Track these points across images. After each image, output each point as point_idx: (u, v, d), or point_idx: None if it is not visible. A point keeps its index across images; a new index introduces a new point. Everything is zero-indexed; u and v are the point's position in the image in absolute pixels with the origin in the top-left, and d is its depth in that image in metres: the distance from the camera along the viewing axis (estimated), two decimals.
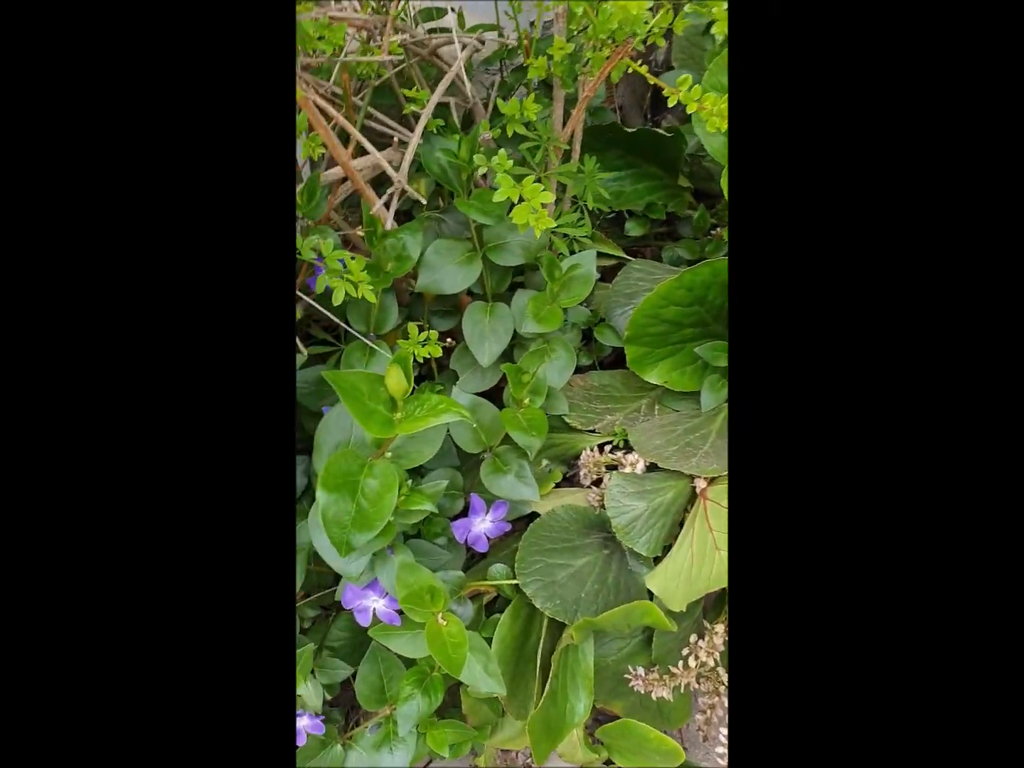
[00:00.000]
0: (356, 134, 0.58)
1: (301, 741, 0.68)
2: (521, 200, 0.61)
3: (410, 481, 0.59)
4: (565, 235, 0.81)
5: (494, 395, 0.82)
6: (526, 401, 0.65)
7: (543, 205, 0.60)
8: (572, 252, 0.87)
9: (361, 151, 0.71)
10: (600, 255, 0.93)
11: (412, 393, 0.53)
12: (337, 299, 0.58)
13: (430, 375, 0.83)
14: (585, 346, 0.92)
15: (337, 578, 0.83)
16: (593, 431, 0.84)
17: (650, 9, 0.61)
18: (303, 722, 0.67)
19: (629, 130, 0.91)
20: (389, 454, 0.56)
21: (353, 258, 0.60)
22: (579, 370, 0.91)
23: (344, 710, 0.83)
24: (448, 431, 0.68)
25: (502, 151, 0.64)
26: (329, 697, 0.75)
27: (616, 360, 0.96)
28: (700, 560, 0.69)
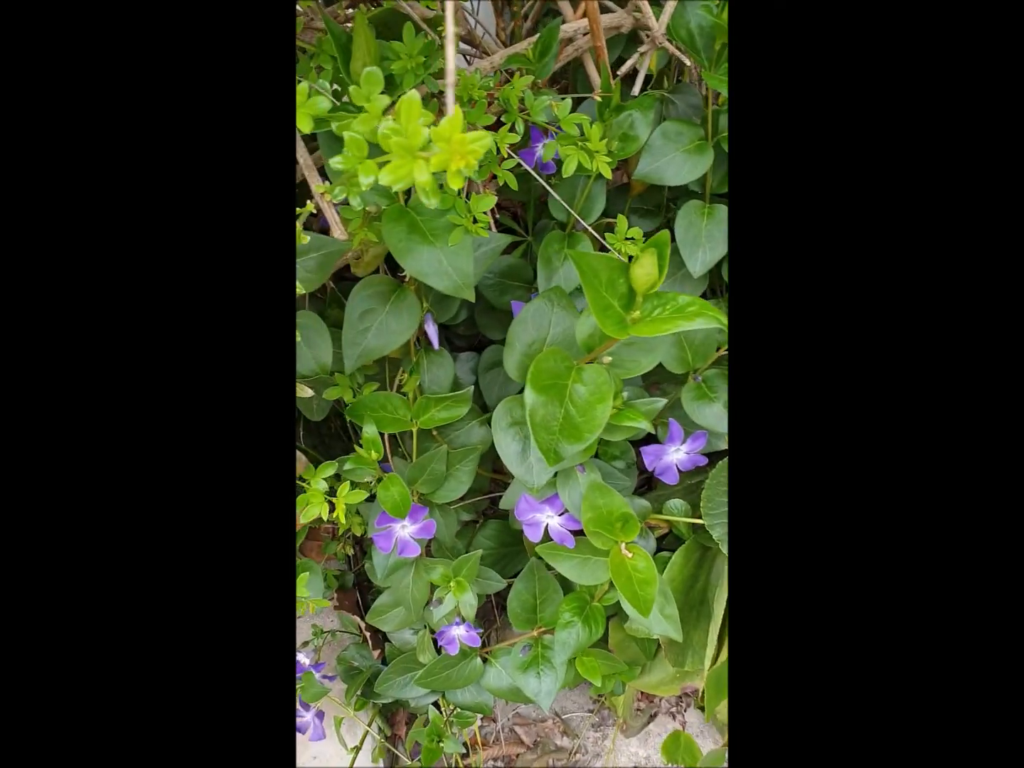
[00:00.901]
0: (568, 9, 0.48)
1: (453, 650, 0.64)
2: None
3: (625, 393, 0.51)
4: None
5: None
6: None
7: None
8: None
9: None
10: None
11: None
12: (568, 170, 0.50)
13: None
14: None
15: (496, 484, 0.78)
16: None
17: None
18: (459, 631, 0.63)
19: None
20: (608, 358, 0.49)
21: (592, 123, 0.51)
22: None
23: (481, 623, 0.80)
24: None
25: None
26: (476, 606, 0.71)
27: None
28: None
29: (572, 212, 0.61)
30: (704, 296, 0.70)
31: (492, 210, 0.75)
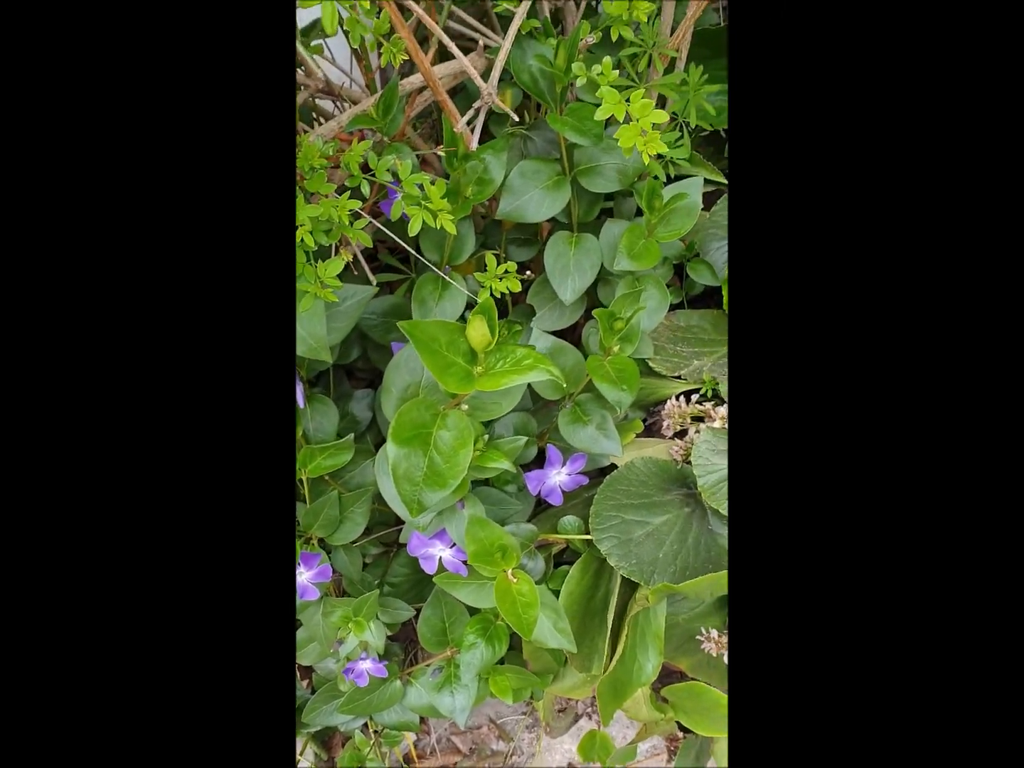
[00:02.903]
0: (439, 32, 0.50)
1: (363, 683, 0.67)
2: (628, 119, 0.53)
3: (486, 436, 0.54)
4: (661, 156, 0.72)
5: (572, 333, 0.76)
6: (615, 349, 0.59)
7: (654, 126, 0.52)
8: (668, 177, 0.78)
9: (442, 57, 0.63)
10: None
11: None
12: (414, 228, 0.52)
13: (504, 309, 0.77)
14: (674, 281, 0.84)
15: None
16: (679, 377, 0.77)
17: None
18: (366, 665, 0.66)
19: None
20: (465, 406, 0.51)
21: (433, 182, 0.54)
22: None
23: (403, 644, 0.83)
24: None
25: (607, 59, 0.55)
26: (390, 633, 0.74)
27: (706, 297, 0.88)
28: None
29: (427, 261, 0.64)
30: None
31: (374, 249, 0.77)
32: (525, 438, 0.57)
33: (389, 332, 0.71)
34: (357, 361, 0.79)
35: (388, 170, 0.54)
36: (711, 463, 0.68)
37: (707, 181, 0.84)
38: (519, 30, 0.58)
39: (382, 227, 0.60)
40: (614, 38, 0.60)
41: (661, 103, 0.74)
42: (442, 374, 0.45)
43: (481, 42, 0.64)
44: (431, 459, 0.51)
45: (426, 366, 0.44)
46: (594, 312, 0.57)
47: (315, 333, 0.50)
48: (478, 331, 0.44)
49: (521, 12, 0.56)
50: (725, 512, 0.67)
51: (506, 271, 0.68)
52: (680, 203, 0.62)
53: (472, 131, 0.55)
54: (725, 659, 0.71)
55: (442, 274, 0.61)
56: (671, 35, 0.68)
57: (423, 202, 0.52)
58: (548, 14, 0.70)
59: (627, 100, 0.53)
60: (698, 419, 0.75)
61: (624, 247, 0.63)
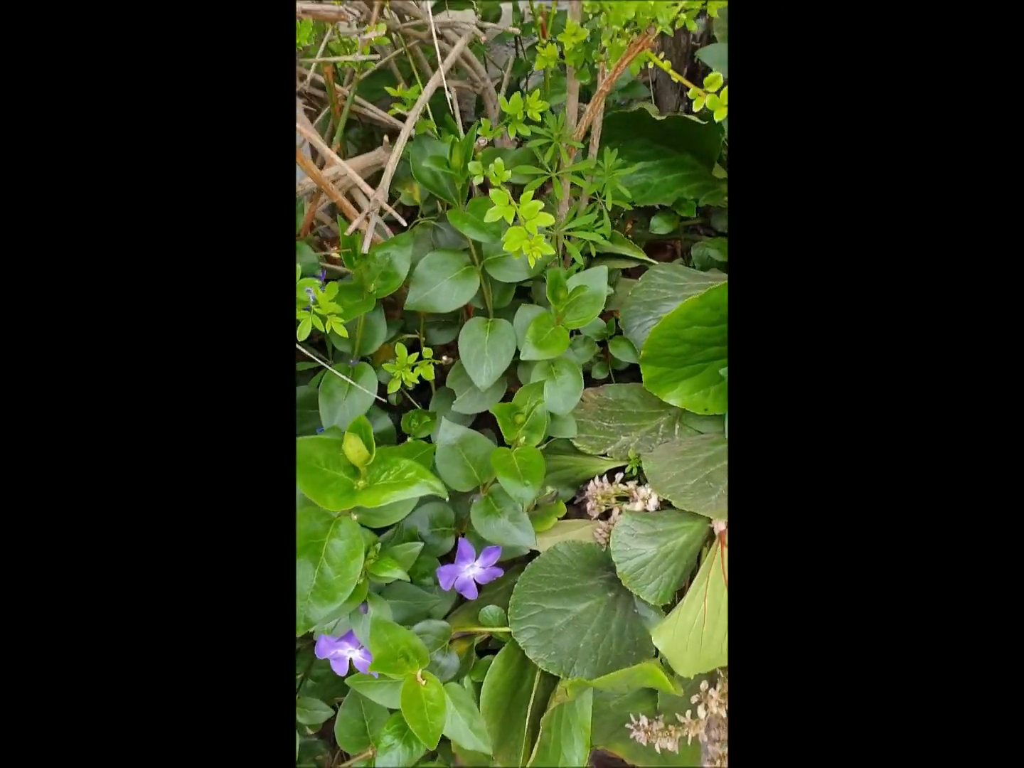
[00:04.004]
0: (323, 148, 0.51)
1: None
2: (517, 219, 0.53)
3: (379, 545, 0.53)
4: (569, 238, 0.72)
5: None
6: (521, 440, 0.59)
7: (541, 230, 0.52)
8: (588, 255, 0.79)
9: (355, 151, 0.64)
10: (621, 257, 0.85)
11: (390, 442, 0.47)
12: (302, 334, 0.52)
13: (427, 391, 0.76)
14: (601, 356, 0.84)
15: None
16: (604, 455, 0.77)
17: None
18: None
19: (657, 118, 0.81)
20: (355, 515, 0.51)
21: (324, 285, 0.54)
22: (593, 382, 0.84)
23: (329, 742, 0.80)
24: (435, 466, 0.62)
25: (499, 161, 0.56)
26: (311, 732, 0.72)
27: (633, 370, 0.89)
28: (713, 620, 0.62)
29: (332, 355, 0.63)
30: None
31: None
32: (420, 544, 0.56)
33: (304, 423, 0.70)
34: None
35: None
36: (630, 548, 0.67)
37: (630, 258, 0.85)
38: (418, 130, 0.59)
39: None
40: (511, 135, 0.61)
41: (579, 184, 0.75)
42: (320, 491, 0.44)
43: (386, 137, 0.65)
44: (321, 570, 0.49)
45: (300, 487, 0.43)
46: (491, 409, 0.57)
47: None
48: (353, 448, 0.44)
49: (413, 115, 0.57)
50: (647, 599, 0.66)
51: (420, 358, 0.68)
52: (584, 293, 0.63)
53: (364, 234, 0.55)
54: (657, 747, 0.69)
55: (333, 373, 0.60)
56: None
57: (312, 307, 0.52)
58: (454, 103, 0.71)
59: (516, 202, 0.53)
60: (623, 498, 0.75)
61: (531, 336, 0.63)
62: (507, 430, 0.57)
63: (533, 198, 0.69)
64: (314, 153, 0.75)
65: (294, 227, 0.48)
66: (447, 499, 0.47)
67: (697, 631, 0.62)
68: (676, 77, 0.52)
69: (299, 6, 0.50)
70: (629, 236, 0.92)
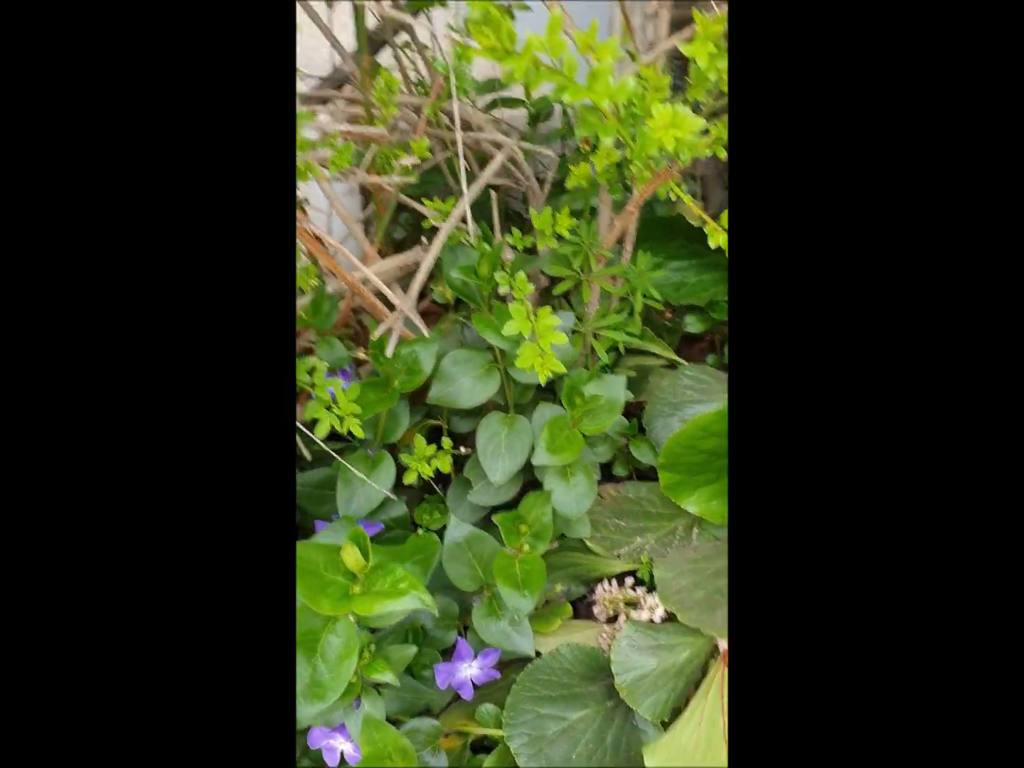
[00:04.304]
0: (364, 244, 0.54)
1: None
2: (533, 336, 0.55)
3: (373, 646, 0.54)
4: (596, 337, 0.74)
5: (512, 506, 0.76)
6: (526, 547, 0.59)
7: (553, 346, 0.54)
8: (617, 351, 0.80)
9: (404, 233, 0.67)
10: (651, 354, 0.86)
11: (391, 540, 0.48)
12: (320, 433, 0.54)
13: (446, 478, 0.78)
14: (623, 450, 0.84)
15: None
16: (618, 556, 0.77)
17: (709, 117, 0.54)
18: None
19: (693, 223, 0.83)
20: (352, 616, 0.52)
21: (350, 381, 0.56)
22: (612, 478, 0.84)
23: None
24: (441, 563, 0.63)
25: (521, 274, 0.58)
26: None
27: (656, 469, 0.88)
28: (707, 748, 0.61)
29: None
30: None
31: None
32: (414, 648, 0.57)
33: (323, 504, 0.72)
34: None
35: (307, 372, 0.56)
36: (630, 660, 0.66)
37: (659, 355, 0.86)
38: (451, 241, 0.62)
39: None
40: (540, 247, 0.64)
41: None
42: (316, 595, 0.46)
43: (423, 239, 0.68)
44: (315, 668, 0.50)
45: (299, 591, 0.45)
46: (495, 518, 0.58)
47: None
48: (351, 556, 0.45)
49: (447, 227, 0.59)
50: (644, 714, 0.65)
51: (439, 448, 0.69)
52: (601, 401, 0.64)
53: (391, 335, 0.57)
54: None
55: (349, 465, 0.62)
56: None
57: (332, 406, 0.54)
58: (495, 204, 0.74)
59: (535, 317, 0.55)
60: (631, 603, 0.74)
61: (544, 440, 0.64)
62: (510, 539, 0.57)
63: (566, 294, 0.71)
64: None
65: (294, 330, 0.49)
66: (436, 615, 0.48)
67: (690, 757, 0.61)
68: (696, 212, 0.53)
69: (341, 127, 0.53)
70: (668, 323, 0.93)
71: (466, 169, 0.68)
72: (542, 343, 0.53)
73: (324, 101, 0.85)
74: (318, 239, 0.52)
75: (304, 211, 0.52)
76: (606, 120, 0.47)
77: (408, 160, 0.54)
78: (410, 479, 0.66)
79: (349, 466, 0.60)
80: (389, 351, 0.57)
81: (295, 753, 0.64)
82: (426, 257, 0.58)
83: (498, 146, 0.73)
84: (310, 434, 0.59)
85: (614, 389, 0.65)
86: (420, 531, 0.67)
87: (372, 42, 0.81)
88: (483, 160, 0.77)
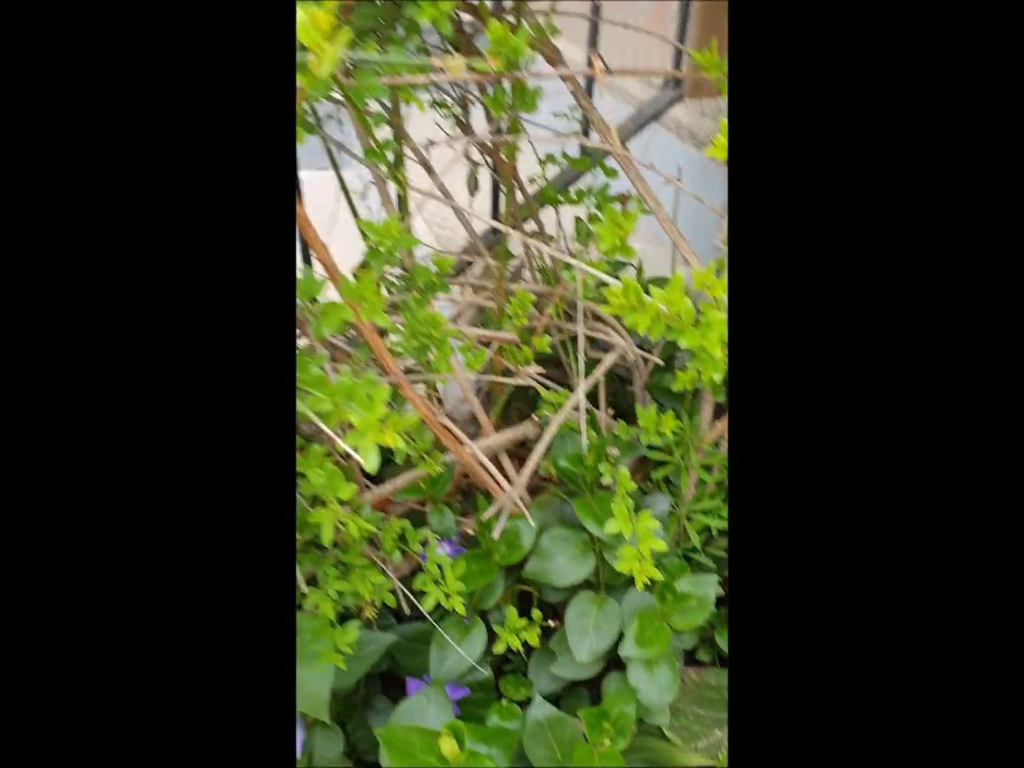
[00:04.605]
0: (481, 416, 0.59)
1: None
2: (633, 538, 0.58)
3: None
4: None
5: (595, 683, 0.77)
6: (607, 742, 0.60)
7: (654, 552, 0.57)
8: (709, 532, 0.82)
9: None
10: None
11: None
12: (426, 606, 0.58)
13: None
14: (707, 636, 0.84)
15: None
16: (695, 749, 0.75)
17: None
18: None
19: None
20: None
21: (452, 552, 0.60)
22: (694, 661, 0.83)
23: None
24: (522, 740, 0.64)
25: (624, 469, 0.62)
26: None
27: None
28: None
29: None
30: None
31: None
32: None
33: (415, 658, 0.75)
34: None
35: (420, 543, 0.61)
36: None
37: None
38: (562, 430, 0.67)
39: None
40: (644, 442, 0.68)
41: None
42: None
43: (534, 416, 0.74)
44: None
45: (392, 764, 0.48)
46: (580, 713, 0.60)
47: (318, 695, 0.56)
48: (447, 747, 0.48)
49: (558, 418, 0.65)
50: None
51: (530, 620, 0.72)
52: (694, 599, 0.65)
53: (500, 517, 0.62)
54: None
55: (444, 634, 0.65)
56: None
57: (439, 581, 0.58)
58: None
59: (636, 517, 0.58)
60: None
61: (634, 631, 0.66)
62: (593, 735, 0.59)
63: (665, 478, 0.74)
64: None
65: (294, 330, 0.46)
66: None
67: None
68: None
69: (479, 332, 0.60)
70: None
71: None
72: (642, 548, 0.56)
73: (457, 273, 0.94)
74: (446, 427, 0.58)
75: (440, 400, 0.59)
76: (717, 357, 0.52)
77: (522, 378, 0.61)
78: (499, 649, 0.69)
79: (444, 634, 0.63)
80: (496, 533, 0.61)
81: (295, 753, 0.62)
82: (537, 447, 0.63)
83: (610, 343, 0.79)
84: (414, 599, 0.63)
85: (706, 587, 0.67)
86: (504, 701, 0.69)
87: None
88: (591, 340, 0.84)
